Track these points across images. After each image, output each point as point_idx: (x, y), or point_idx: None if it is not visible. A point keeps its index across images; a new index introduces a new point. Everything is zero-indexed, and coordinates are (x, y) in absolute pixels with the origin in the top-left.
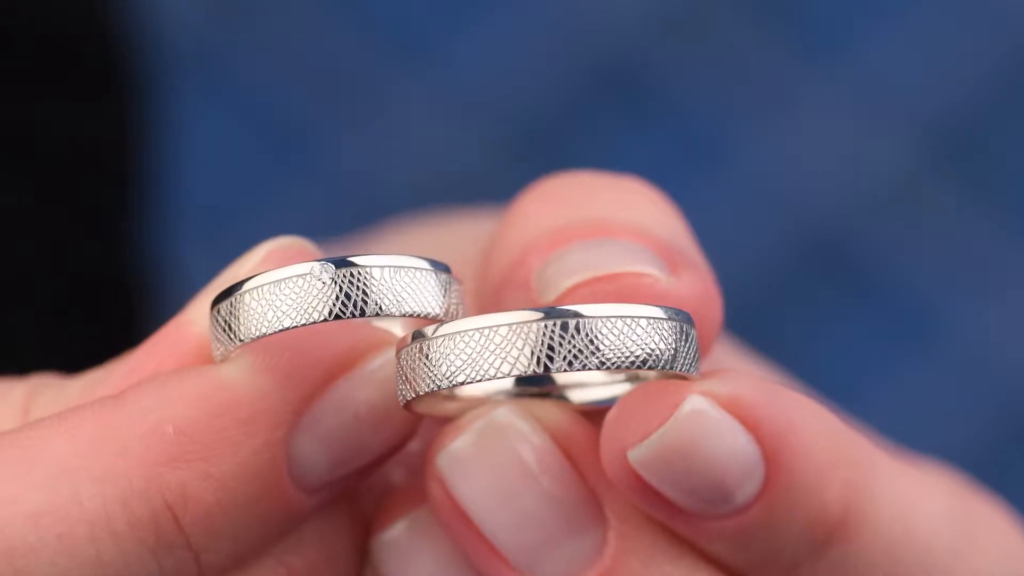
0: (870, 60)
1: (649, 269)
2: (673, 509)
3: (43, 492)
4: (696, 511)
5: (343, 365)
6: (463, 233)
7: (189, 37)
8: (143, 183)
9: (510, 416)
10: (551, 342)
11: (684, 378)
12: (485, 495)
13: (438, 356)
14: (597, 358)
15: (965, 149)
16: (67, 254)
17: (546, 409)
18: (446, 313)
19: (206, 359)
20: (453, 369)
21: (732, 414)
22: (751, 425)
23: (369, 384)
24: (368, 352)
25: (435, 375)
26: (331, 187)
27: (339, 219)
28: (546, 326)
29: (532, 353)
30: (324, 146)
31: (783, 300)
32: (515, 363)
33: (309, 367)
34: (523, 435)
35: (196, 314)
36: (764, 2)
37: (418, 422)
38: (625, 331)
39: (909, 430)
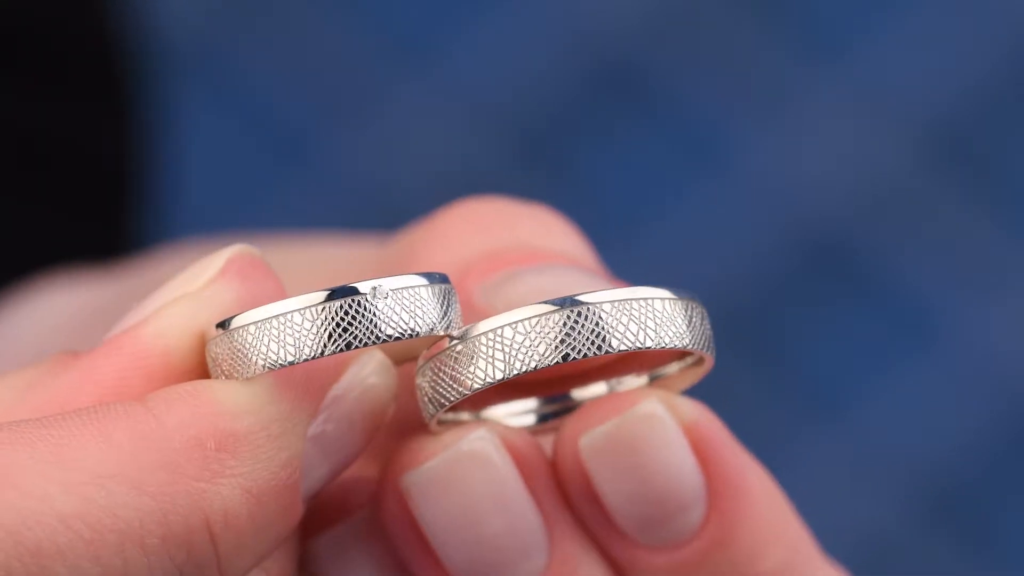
0: (870, 60)
1: None
2: (611, 525)
3: (76, 496)
4: (632, 532)
5: (336, 373)
6: (320, 257)
7: (189, 37)
8: (143, 183)
9: (483, 442)
10: (631, 320)
11: (702, 360)
12: (449, 518)
13: (519, 341)
14: (665, 337)
15: (965, 149)
16: (67, 254)
17: (510, 433)
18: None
19: (178, 375)
20: (544, 351)
21: (688, 437)
22: (702, 458)
23: (357, 390)
24: (352, 359)
25: (512, 361)
26: (331, 187)
27: (339, 218)
28: (623, 305)
29: (619, 332)
30: (324, 146)
31: (783, 300)
32: (607, 341)
33: (317, 378)
34: (495, 463)
35: (164, 326)
36: (764, 2)
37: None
38: (677, 310)
39: (909, 430)
